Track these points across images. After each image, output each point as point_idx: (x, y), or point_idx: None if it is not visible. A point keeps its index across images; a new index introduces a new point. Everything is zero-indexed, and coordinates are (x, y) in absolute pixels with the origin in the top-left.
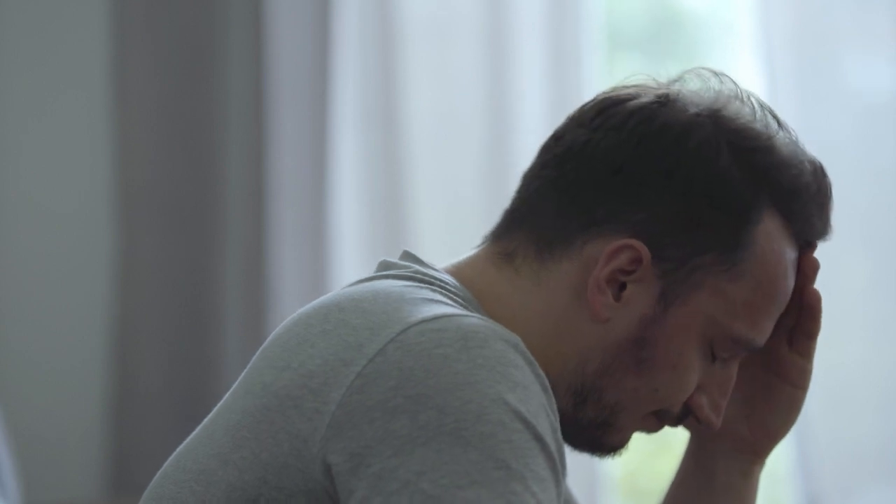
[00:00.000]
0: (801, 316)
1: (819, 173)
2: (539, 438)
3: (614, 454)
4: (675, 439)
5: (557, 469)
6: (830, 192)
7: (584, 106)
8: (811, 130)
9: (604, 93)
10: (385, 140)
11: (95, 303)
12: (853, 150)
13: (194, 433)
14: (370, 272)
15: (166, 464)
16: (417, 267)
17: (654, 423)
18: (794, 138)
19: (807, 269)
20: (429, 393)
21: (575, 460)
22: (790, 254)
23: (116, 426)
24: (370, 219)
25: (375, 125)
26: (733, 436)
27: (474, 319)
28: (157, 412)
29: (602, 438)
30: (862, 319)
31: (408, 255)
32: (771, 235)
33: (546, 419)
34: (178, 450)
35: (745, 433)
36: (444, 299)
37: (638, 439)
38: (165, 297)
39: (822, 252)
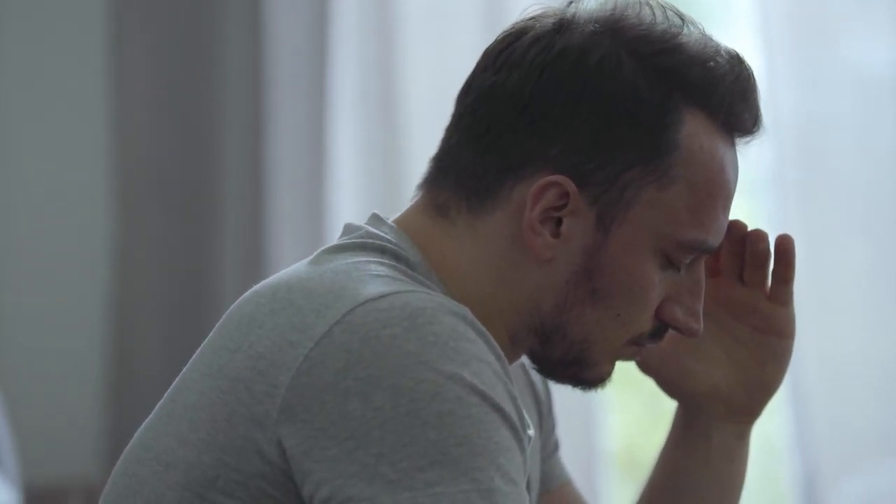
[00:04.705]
0: (775, 262)
1: (736, 61)
2: (498, 409)
3: (597, 388)
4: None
5: (521, 436)
6: (752, 78)
7: (487, 49)
8: (809, 108)
9: (504, 31)
10: (384, 126)
11: (94, 285)
12: (851, 128)
13: (156, 409)
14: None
15: (132, 440)
16: (370, 229)
17: (633, 350)
18: (702, 33)
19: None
20: (380, 374)
21: (572, 435)
22: (723, 148)
23: (115, 408)
24: (369, 204)
25: (374, 111)
26: (728, 401)
27: (421, 294)
28: (154, 394)
29: (579, 374)
30: (861, 300)
31: (373, 217)
32: (696, 134)
33: (503, 388)
34: (142, 425)
35: (741, 398)
36: (391, 273)
37: (636, 413)
38: (164, 280)
39: (820, 232)
